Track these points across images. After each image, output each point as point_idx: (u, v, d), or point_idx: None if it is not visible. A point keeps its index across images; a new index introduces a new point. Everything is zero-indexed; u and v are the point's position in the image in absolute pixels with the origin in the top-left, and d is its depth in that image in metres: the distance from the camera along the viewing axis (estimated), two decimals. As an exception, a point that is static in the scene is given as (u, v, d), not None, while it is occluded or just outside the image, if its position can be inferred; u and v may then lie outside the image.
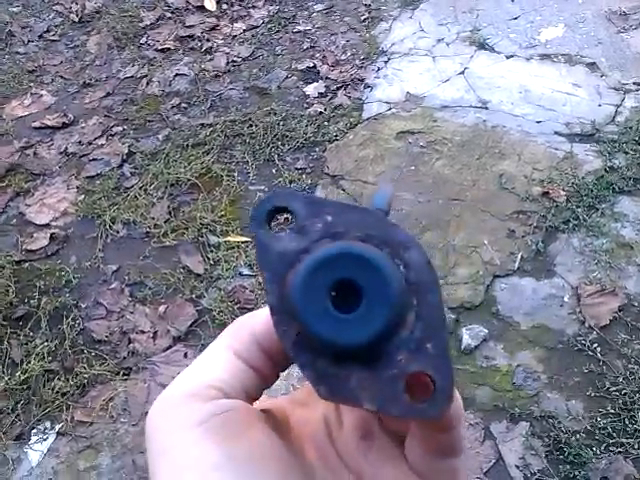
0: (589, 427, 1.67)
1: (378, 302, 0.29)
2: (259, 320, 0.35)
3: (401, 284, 0.29)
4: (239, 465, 0.30)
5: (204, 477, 0.30)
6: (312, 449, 0.36)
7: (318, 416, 0.38)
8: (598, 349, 1.81)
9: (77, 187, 2.45)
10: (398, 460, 0.36)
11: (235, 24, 3.14)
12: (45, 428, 1.77)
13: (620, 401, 1.70)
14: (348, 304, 0.29)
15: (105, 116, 2.73)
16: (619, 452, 1.62)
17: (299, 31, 3.05)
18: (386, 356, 0.30)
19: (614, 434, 1.64)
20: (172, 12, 3.25)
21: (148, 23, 3.20)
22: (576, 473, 1.59)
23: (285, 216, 0.33)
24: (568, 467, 1.60)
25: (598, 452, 1.62)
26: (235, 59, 2.94)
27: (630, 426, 1.65)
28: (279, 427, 0.35)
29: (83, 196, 2.41)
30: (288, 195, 0.32)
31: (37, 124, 2.73)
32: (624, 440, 1.63)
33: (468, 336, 1.86)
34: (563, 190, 2.21)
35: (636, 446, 1.62)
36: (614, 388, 1.73)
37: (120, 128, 2.67)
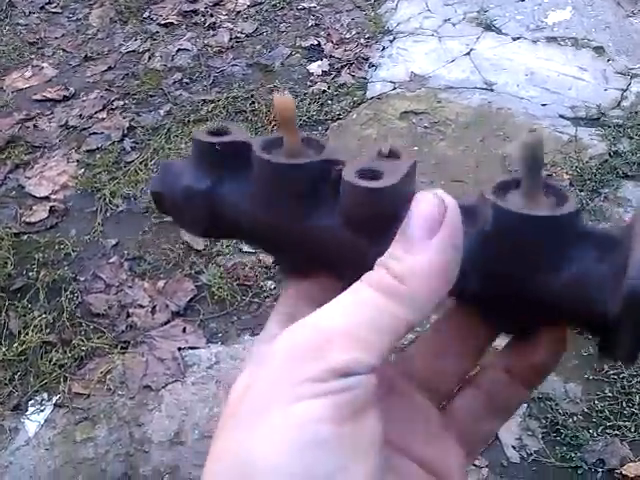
0: (586, 409, 1.67)
1: None
2: None
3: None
4: (345, 449, 0.27)
5: (301, 451, 0.26)
6: None
7: None
8: (597, 333, 1.80)
9: (77, 160, 2.43)
10: (430, 414, 0.35)
11: (239, 0, 3.10)
12: (42, 399, 1.77)
13: (618, 384, 1.70)
14: None
15: (106, 90, 2.71)
16: (616, 435, 1.62)
17: (304, 8, 3.01)
18: None
19: (611, 417, 1.65)
20: (176, -14, 3.21)
21: (151, -3, 3.16)
22: (572, 455, 1.59)
23: None
24: (565, 449, 1.61)
25: (595, 434, 1.62)
26: (238, 35, 2.91)
27: (627, 409, 1.66)
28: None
29: (83, 170, 2.40)
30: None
31: (38, 96, 2.70)
32: (621, 423, 1.63)
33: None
34: (567, 174, 2.20)
35: (633, 429, 1.62)
36: (612, 371, 1.73)
37: (121, 102, 2.65)
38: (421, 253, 0.28)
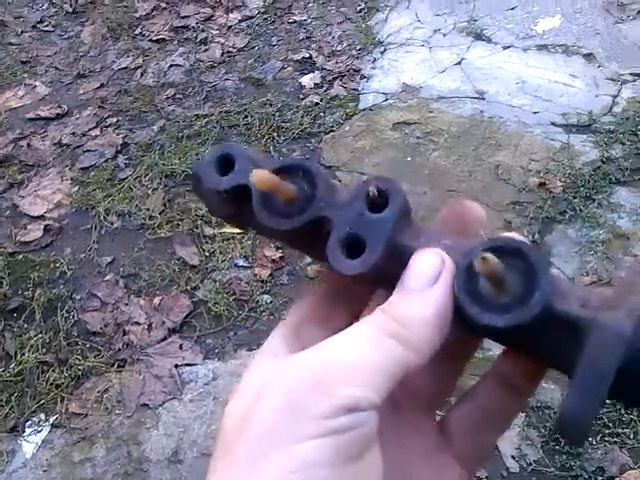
0: (585, 418, 1.66)
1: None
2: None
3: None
4: None
5: None
6: None
7: None
8: (594, 340, 1.80)
9: (71, 178, 2.44)
10: (428, 432, 0.35)
11: (230, 14, 3.12)
12: (39, 420, 1.77)
13: None
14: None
15: (99, 107, 2.71)
16: (615, 442, 1.62)
17: (295, 21, 3.03)
18: None
19: (610, 424, 1.64)
20: (167, 2, 3.22)
21: (143, 13, 3.17)
22: (572, 463, 1.59)
23: None
24: (564, 457, 1.60)
25: (594, 442, 1.62)
26: (230, 50, 2.92)
27: (626, 416, 1.65)
28: None
29: (77, 187, 2.40)
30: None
31: (31, 115, 2.71)
32: (620, 430, 1.63)
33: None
34: (560, 181, 2.20)
35: (632, 436, 1.62)
36: (610, 379, 1.72)
37: (114, 119, 2.65)
38: (419, 302, 0.31)
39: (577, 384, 0.28)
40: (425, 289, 0.31)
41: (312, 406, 0.27)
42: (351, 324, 0.34)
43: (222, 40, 2.98)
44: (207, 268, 2.08)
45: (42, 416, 1.77)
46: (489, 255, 0.29)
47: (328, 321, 0.35)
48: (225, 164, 0.37)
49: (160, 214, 2.26)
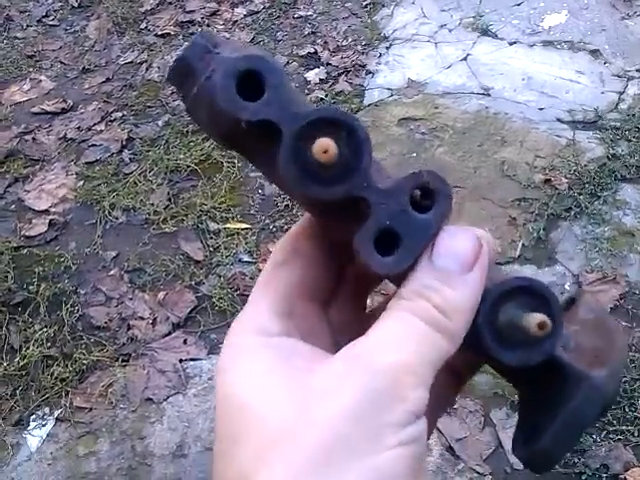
0: (589, 415, 1.66)
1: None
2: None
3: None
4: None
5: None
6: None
7: None
8: (599, 337, 1.80)
9: (76, 173, 2.44)
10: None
11: (236, 9, 3.11)
12: (44, 414, 1.77)
13: (620, 388, 1.70)
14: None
15: (104, 102, 2.71)
16: (619, 439, 1.61)
17: (300, 16, 3.02)
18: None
19: (614, 421, 1.64)
20: (172, -3, 3.22)
21: (148, 8, 3.17)
22: (576, 460, 1.59)
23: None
24: (568, 454, 1.60)
25: (598, 439, 1.62)
26: (235, 45, 2.92)
27: (630, 413, 1.65)
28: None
29: (82, 182, 2.40)
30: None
31: (36, 109, 2.71)
32: (624, 427, 1.63)
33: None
34: (565, 177, 2.20)
35: (636, 433, 1.62)
36: (614, 376, 1.72)
37: (119, 114, 2.65)
38: (459, 288, 0.29)
39: (557, 426, 0.30)
40: (464, 272, 0.29)
41: (387, 413, 0.26)
42: (334, 293, 0.34)
43: (227, 35, 2.97)
44: (211, 263, 2.08)
45: (47, 410, 1.78)
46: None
47: (314, 292, 0.33)
48: (249, 82, 0.29)
49: (165, 209, 2.26)
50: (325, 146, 0.28)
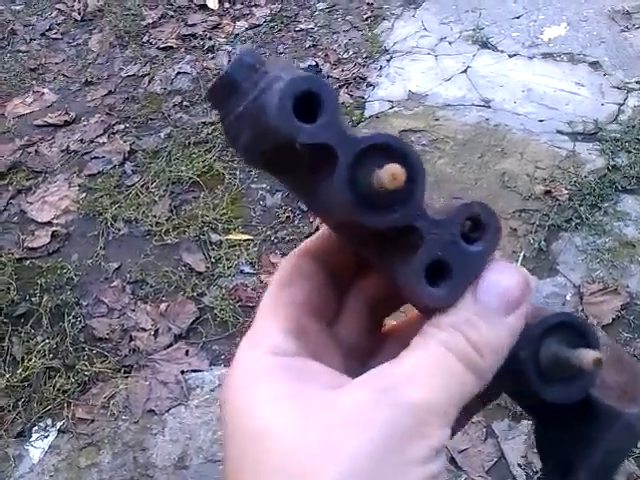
0: (591, 426, 1.66)
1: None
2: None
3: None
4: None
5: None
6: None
7: None
8: (600, 348, 1.80)
9: (79, 185, 2.45)
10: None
11: (237, 22, 3.13)
12: (46, 425, 1.77)
13: None
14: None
15: (107, 114, 2.73)
16: (621, 451, 1.61)
17: (301, 29, 3.04)
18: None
19: (616, 433, 1.64)
20: (174, 10, 3.24)
21: (150, 21, 3.19)
22: (578, 472, 1.58)
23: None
24: None
25: (600, 451, 1.61)
26: (237, 57, 2.94)
27: (633, 425, 1.65)
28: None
29: (84, 194, 2.41)
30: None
31: (39, 122, 2.73)
32: (627, 439, 1.63)
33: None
34: (565, 189, 2.20)
35: (639, 445, 1.61)
36: (616, 387, 1.72)
37: (122, 126, 2.67)
38: (498, 327, 0.29)
39: (595, 464, 0.31)
40: (508, 313, 0.29)
41: (411, 450, 0.26)
42: (337, 313, 0.34)
43: (229, 48, 2.99)
44: (213, 275, 2.09)
45: (49, 421, 1.78)
46: None
47: (322, 311, 0.34)
48: (305, 104, 0.28)
49: (167, 221, 2.27)
50: (395, 172, 0.27)
